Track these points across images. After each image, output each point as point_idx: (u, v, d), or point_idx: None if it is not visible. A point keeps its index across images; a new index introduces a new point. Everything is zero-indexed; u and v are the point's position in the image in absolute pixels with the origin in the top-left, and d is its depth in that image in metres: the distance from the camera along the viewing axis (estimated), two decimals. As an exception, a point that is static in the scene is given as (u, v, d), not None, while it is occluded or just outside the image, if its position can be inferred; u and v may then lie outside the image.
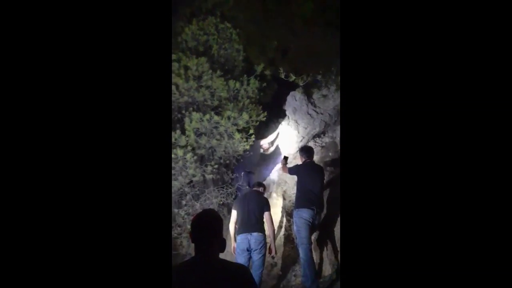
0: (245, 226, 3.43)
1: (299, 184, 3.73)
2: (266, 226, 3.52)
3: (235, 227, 3.61)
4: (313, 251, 3.53)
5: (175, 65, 4.35)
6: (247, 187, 4.40)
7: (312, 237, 3.69)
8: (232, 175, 4.65)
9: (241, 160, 4.68)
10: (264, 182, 4.46)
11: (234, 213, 3.63)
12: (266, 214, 3.54)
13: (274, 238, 3.58)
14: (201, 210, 1.52)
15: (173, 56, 4.41)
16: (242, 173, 4.52)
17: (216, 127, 4.41)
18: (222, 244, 1.36)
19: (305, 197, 3.61)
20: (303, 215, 3.51)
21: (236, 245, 3.48)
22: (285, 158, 4.14)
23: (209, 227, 1.35)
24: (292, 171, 3.89)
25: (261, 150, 4.75)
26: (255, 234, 3.36)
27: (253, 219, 3.43)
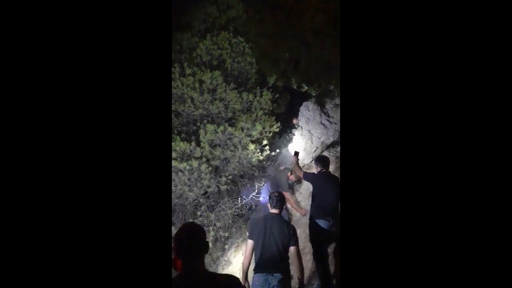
0: (265, 263, 2.58)
1: (315, 194, 3.67)
2: (293, 265, 2.69)
3: (249, 262, 2.72)
4: (329, 263, 3.44)
5: (190, 79, 4.49)
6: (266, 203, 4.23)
7: (329, 249, 3.61)
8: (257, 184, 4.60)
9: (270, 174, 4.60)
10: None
11: (250, 243, 2.71)
12: (293, 249, 2.67)
13: (303, 281, 2.72)
14: (182, 224, 1.51)
15: (188, 71, 4.57)
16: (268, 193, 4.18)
17: (230, 139, 4.47)
18: (205, 248, 1.37)
19: (320, 207, 3.55)
20: (319, 226, 3.45)
21: (252, 285, 2.64)
22: (296, 153, 3.98)
23: (193, 241, 1.35)
24: (307, 177, 3.82)
25: (289, 181, 4.48)
26: (277, 275, 2.52)
27: (276, 255, 2.57)
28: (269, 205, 2.95)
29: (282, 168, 4.08)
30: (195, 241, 1.35)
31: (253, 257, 2.73)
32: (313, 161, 4.04)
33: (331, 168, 4.38)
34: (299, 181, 4.57)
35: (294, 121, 5.22)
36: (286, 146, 5.17)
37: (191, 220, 4.17)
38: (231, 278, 1.38)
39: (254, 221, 2.95)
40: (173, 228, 4.51)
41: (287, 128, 5.31)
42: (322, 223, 3.43)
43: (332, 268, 3.50)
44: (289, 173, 4.33)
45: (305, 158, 4.88)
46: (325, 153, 4.80)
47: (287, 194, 4.01)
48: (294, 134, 5.13)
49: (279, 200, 2.85)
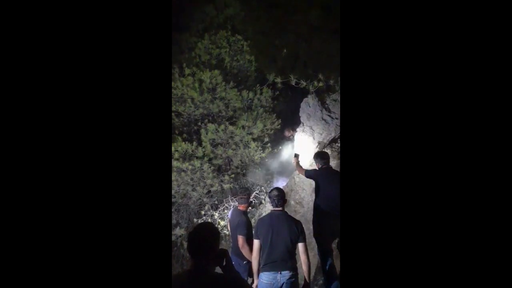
0: (273, 261, 2.56)
1: (318, 190, 3.67)
2: (300, 261, 2.68)
3: (258, 262, 2.69)
4: (334, 259, 3.45)
5: (189, 79, 4.50)
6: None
7: (333, 245, 3.61)
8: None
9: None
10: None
11: (257, 243, 2.68)
12: (301, 245, 2.63)
13: (310, 276, 2.71)
14: (197, 224, 1.52)
15: (187, 71, 4.58)
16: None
17: (231, 137, 4.48)
18: (218, 257, 1.38)
19: (324, 203, 3.54)
20: (323, 221, 3.45)
21: (259, 284, 2.61)
22: (296, 155, 3.98)
23: (205, 241, 1.36)
24: (309, 174, 3.81)
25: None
26: (285, 273, 2.52)
27: (285, 252, 2.56)
28: (270, 204, 2.98)
29: (239, 206, 3.56)
30: (205, 241, 1.36)
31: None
32: (313, 158, 4.03)
33: (334, 163, 4.38)
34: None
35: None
36: (288, 143, 5.17)
37: (209, 221, 4.18)
38: (236, 279, 1.38)
39: (259, 221, 2.86)
40: (178, 228, 4.54)
41: (288, 125, 5.31)
42: (325, 218, 3.44)
43: (337, 263, 3.51)
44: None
45: (307, 155, 4.88)
46: (327, 149, 4.80)
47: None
48: (296, 131, 5.13)
49: (280, 198, 2.83)
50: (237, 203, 3.72)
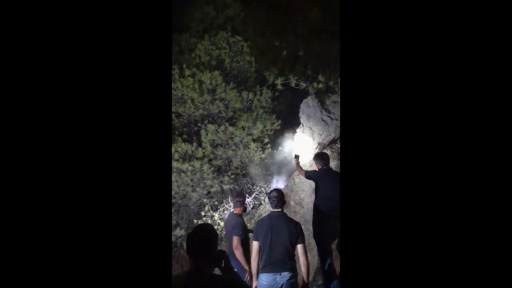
0: (273, 262, 2.57)
1: (317, 191, 3.67)
2: (299, 262, 2.69)
3: (258, 263, 2.71)
4: (333, 260, 3.45)
5: (189, 80, 4.51)
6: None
7: (333, 245, 3.61)
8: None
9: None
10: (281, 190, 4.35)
11: (256, 245, 2.68)
12: (300, 247, 2.63)
13: (308, 277, 2.72)
14: (196, 225, 1.52)
15: (188, 71, 4.58)
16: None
17: (231, 138, 4.49)
18: (217, 258, 1.38)
19: (324, 204, 3.54)
20: (323, 222, 3.45)
21: (259, 285, 2.64)
22: (296, 156, 3.98)
23: (203, 242, 1.36)
24: (309, 175, 3.81)
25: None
26: (285, 274, 2.53)
27: (284, 254, 2.57)
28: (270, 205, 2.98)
29: (234, 211, 3.61)
30: (204, 243, 1.36)
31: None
32: (313, 159, 4.03)
33: (333, 164, 4.38)
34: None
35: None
36: (288, 143, 5.18)
37: (208, 222, 4.17)
38: (234, 281, 1.39)
39: (258, 222, 2.86)
40: (178, 228, 4.54)
41: (288, 126, 5.33)
42: (325, 219, 3.43)
43: (336, 264, 3.51)
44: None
45: (307, 156, 4.88)
46: (327, 150, 4.80)
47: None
48: (295, 132, 5.14)
49: (279, 199, 2.83)
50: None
